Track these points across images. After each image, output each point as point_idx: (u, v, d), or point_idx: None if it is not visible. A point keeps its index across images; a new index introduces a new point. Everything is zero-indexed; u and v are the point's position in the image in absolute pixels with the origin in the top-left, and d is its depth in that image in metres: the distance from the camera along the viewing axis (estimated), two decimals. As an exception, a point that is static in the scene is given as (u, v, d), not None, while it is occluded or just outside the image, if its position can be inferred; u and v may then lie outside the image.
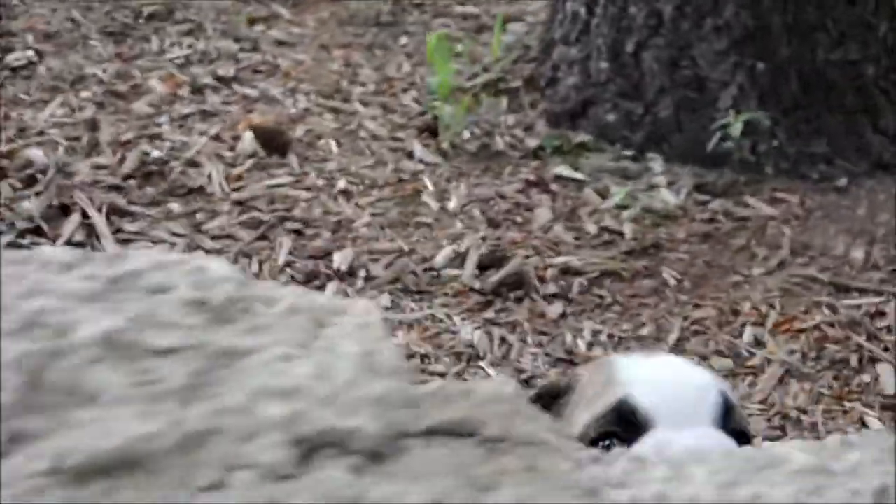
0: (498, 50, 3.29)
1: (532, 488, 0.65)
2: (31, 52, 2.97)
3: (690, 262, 2.59)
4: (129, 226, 2.45)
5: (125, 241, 2.42)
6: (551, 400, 1.29)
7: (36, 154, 2.58)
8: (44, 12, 3.21)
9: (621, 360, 1.35)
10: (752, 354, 2.30)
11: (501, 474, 0.67)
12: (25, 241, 2.36)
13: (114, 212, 2.47)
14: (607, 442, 1.18)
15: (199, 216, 2.52)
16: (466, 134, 2.98)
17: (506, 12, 3.53)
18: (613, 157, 2.98)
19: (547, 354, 2.28)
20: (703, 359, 2.28)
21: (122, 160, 2.64)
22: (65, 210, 2.44)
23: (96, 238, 2.38)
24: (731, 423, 1.22)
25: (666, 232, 2.69)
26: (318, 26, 3.44)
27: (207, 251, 2.42)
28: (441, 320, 2.33)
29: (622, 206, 2.74)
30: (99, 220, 2.41)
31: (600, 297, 2.45)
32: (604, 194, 2.78)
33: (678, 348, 2.31)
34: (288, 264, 2.43)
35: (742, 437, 1.23)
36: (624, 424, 1.20)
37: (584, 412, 1.24)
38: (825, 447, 0.68)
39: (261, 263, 2.42)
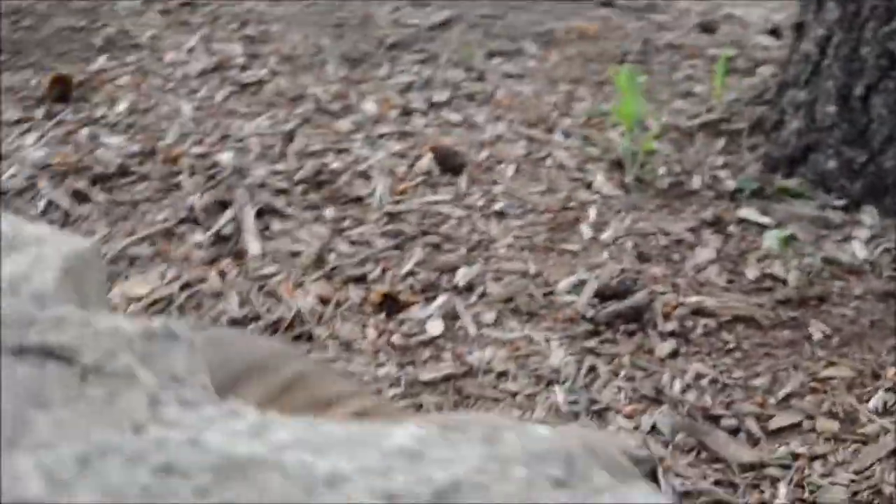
0: (721, 90, 3.09)
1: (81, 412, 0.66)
2: (264, 72, 3.21)
3: (852, 319, 2.27)
4: (277, 225, 2.57)
5: (268, 239, 2.54)
6: None
7: (224, 157, 2.78)
8: (295, 38, 3.46)
9: None
10: (871, 421, 1.97)
11: (71, 399, 0.67)
12: (181, 230, 2.56)
13: (268, 212, 2.60)
14: None
15: (346, 222, 2.59)
16: (661, 170, 2.82)
17: (737, 53, 3.32)
18: (819, 205, 2.69)
19: (633, 390, 2.09)
20: (809, 418, 1.99)
21: (299, 168, 2.78)
22: (223, 205, 2.60)
23: (240, 233, 2.52)
24: None
25: (840, 286, 2.38)
26: (559, 62, 3.42)
27: (337, 253, 2.48)
28: (537, 342, 2.21)
29: (799, 255, 2.46)
30: (248, 217, 2.56)
31: (724, 341, 2.21)
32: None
33: (784, 403, 2.03)
34: (410, 273, 2.43)
35: None
36: None
37: None
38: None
39: (384, 270, 2.44)
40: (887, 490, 1.81)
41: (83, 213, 2.63)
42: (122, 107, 3.08)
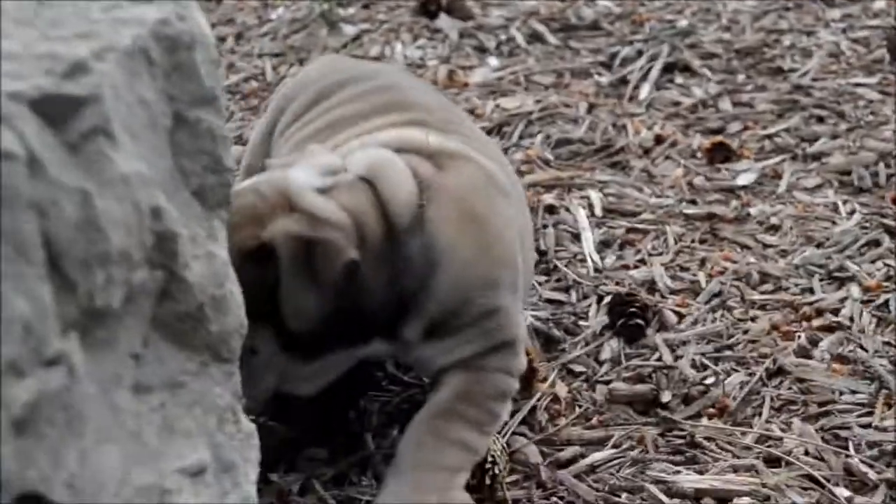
0: None
1: None
2: None
3: None
4: (679, 79, 2.59)
5: (662, 89, 2.57)
6: None
7: (682, 21, 2.83)
8: None
9: None
10: None
11: None
12: (596, 69, 2.70)
13: (679, 68, 2.63)
14: None
15: (747, 88, 2.51)
16: None
17: None
18: None
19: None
20: None
21: (744, 39, 2.72)
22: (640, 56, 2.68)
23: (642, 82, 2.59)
24: None
25: None
26: None
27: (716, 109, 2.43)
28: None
29: None
30: (655, 69, 2.61)
31: None
32: None
33: None
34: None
35: None
36: None
37: None
38: None
39: (745, 128, 2.34)
40: None
41: (531, 51, 2.88)
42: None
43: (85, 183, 0.82)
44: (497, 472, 1.41)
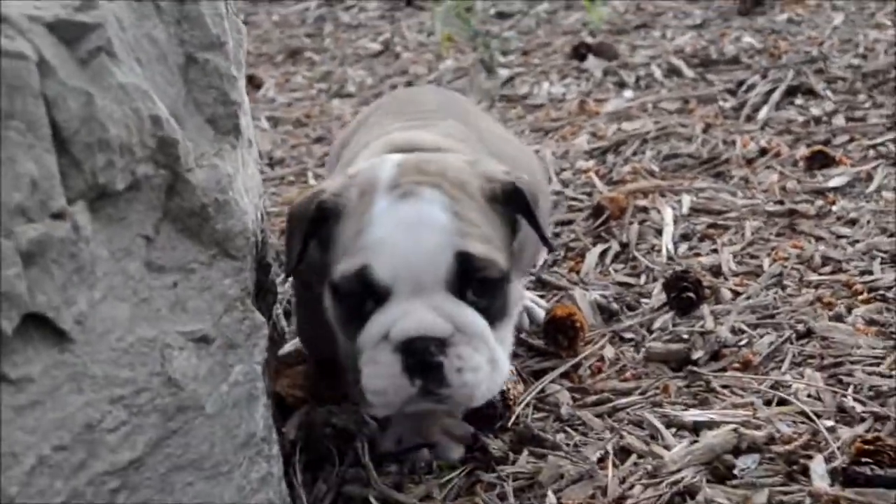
0: None
1: None
2: None
3: None
4: (799, 101, 2.70)
5: (778, 110, 2.68)
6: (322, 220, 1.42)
7: (831, 54, 2.93)
8: None
9: (379, 195, 1.37)
10: None
11: None
12: (724, 96, 2.84)
13: (803, 91, 2.74)
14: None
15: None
16: None
17: None
18: None
19: None
20: None
21: (875, 62, 2.79)
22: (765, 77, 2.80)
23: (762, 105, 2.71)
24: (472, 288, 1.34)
25: None
26: None
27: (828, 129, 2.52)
28: None
29: None
30: (777, 92, 2.73)
31: None
32: None
33: None
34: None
35: (487, 290, 1.35)
36: (367, 289, 1.34)
37: (340, 260, 1.37)
38: None
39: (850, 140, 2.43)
40: None
41: (665, 84, 3.04)
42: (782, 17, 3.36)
43: (89, 87, 1.11)
44: (512, 397, 1.59)
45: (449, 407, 1.42)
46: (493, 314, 1.36)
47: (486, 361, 1.33)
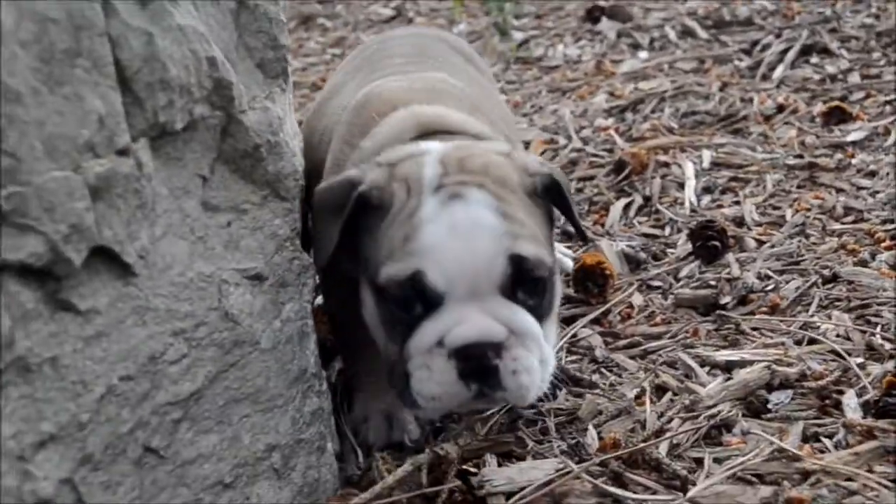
0: None
1: None
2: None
3: None
4: (815, 59, 2.72)
5: (794, 68, 2.71)
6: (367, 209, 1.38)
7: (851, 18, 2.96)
8: None
9: (426, 197, 1.35)
10: None
11: None
12: (744, 61, 2.86)
13: (818, 50, 2.76)
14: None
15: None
16: None
17: None
18: None
19: None
20: None
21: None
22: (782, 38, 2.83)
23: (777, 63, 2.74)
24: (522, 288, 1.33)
25: None
26: None
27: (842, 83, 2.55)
28: None
29: None
30: (792, 51, 2.75)
31: None
32: None
33: None
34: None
35: (537, 289, 1.35)
36: (418, 294, 1.33)
37: (387, 263, 1.34)
38: None
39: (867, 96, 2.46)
40: None
41: (680, 45, 3.07)
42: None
43: (150, 27, 1.14)
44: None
45: (499, 405, 1.43)
46: (542, 311, 1.36)
47: (537, 361, 1.32)
